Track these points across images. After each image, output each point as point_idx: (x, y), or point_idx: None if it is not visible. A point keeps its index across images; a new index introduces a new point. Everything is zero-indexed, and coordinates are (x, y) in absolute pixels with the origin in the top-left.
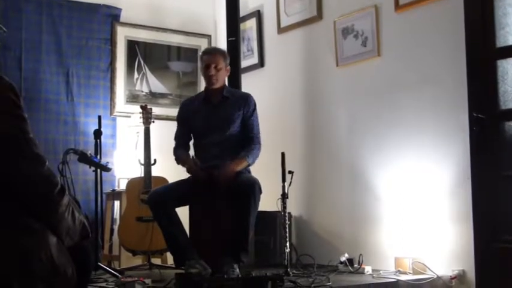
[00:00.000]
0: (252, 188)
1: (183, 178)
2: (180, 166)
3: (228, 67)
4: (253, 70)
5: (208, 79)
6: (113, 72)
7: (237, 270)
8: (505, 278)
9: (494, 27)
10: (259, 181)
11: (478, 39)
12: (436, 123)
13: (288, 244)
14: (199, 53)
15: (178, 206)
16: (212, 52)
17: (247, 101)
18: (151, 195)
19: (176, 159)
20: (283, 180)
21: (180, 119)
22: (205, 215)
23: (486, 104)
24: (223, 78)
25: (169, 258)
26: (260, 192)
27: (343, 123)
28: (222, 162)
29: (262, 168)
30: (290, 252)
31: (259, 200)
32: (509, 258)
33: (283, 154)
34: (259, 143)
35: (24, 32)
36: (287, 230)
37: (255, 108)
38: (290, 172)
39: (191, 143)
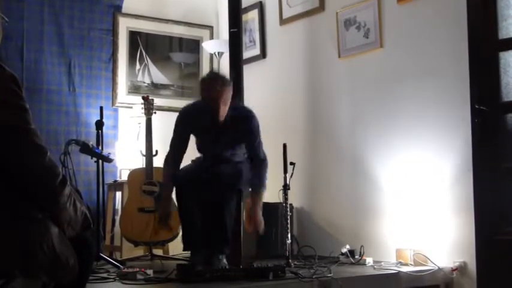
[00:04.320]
0: (233, 179)
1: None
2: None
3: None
4: (255, 61)
5: (216, 113)
6: (114, 63)
7: (224, 260)
8: (506, 270)
9: (496, 19)
10: None
11: (480, 30)
12: (438, 115)
13: (289, 235)
14: (201, 44)
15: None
16: (218, 87)
17: (249, 120)
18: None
19: (163, 176)
20: (285, 171)
21: (183, 127)
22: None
23: (488, 96)
24: (228, 105)
25: (171, 249)
26: (241, 183)
27: (345, 115)
28: (248, 214)
29: None
30: (291, 243)
31: (238, 189)
32: (510, 250)
33: (284, 145)
34: (265, 159)
35: (26, 22)
36: (288, 221)
37: (258, 125)
38: (292, 163)
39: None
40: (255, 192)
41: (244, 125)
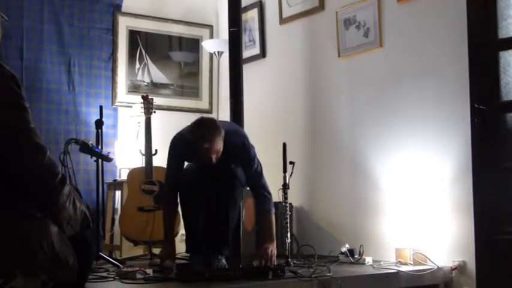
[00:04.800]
0: (232, 184)
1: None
2: None
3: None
4: (254, 61)
5: (209, 162)
6: (114, 62)
7: (223, 261)
8: (505, 269)
9: (496, 18)
10: None
11: (480, 30)
12: (438, 114)
13: (289, 234)
14: (201, 43)
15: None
16: (211, 142)
17: (243, 155)
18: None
19: (164, 215)
20: (285, 170)
21: (176, 162)
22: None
23: (488, 96)
24: (221, 150)
25: None
26: (241, 187)
27: (345, 114)
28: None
29: (264, 159)
30: (291, 242)
31: (240, 193)
32: (509, 249)
33: (284, 145)
34: (270, 194)
35: (26, 21)
36: (288, 220)
37: (253, 158)
38: (291, 163)
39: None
40: (264, 218)
41: (238, 159)
